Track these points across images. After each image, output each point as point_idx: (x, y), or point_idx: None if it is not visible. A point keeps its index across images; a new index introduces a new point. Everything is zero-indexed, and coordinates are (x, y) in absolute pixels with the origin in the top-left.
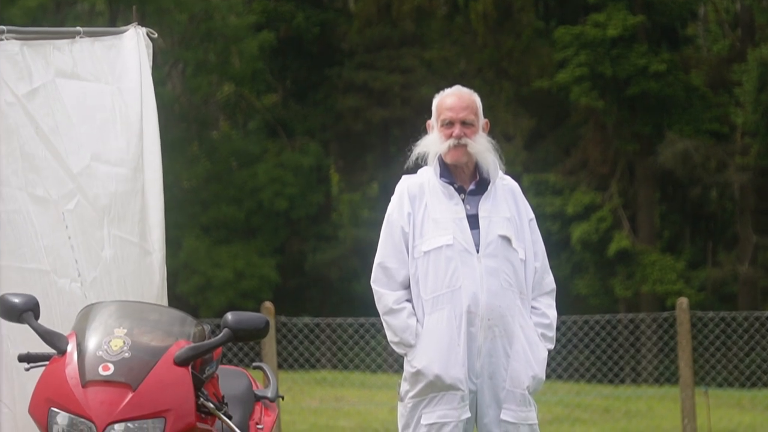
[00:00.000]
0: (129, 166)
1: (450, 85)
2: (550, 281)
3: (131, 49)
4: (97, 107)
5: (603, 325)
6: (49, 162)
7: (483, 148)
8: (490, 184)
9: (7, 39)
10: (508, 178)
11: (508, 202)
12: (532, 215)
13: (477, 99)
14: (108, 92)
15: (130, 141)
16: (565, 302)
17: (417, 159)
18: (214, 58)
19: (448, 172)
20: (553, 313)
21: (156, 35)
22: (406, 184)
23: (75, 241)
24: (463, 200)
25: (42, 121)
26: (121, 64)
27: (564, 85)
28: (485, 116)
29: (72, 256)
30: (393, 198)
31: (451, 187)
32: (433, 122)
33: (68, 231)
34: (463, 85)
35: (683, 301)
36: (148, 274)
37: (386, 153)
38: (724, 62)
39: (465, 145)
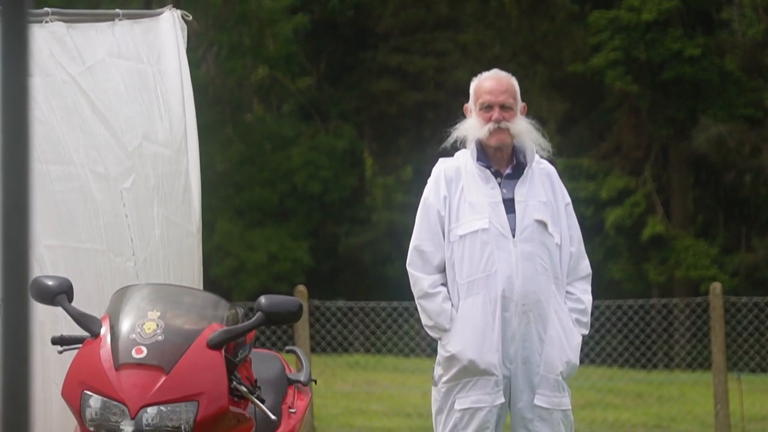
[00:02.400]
0: (173, 147)
1: (484, 69)
2: (585, 266)
3: (168, 31)
4: (143, 88)
5: (636, 310)
6: (107, 140)
7: (524, 129)
8: (527, 168)
9: (51, 21)
10: (545, 162)
11: (544, 186)
12: (569, 199)
13: (515, 82)
14: (150, 74)
15: (172, 123)
16: (598, 287)
17: (456, 142)
18: (248, 40)
19: (485, 155)
20: (588, 299)
21: (190, 17)
22: (442, 167)
23: (131, 220)
24: (499, 184)
25: (97, 99)
26: (159, 47)
27: (598, 69)
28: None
29: (128, 235)
30: (429, 181)
31: (488, 171)
32: (471, 106)
33: (125, 209)
34: (498, 68)
35: (716, 287)
36: (188, 256)
37: (420, 136)
38: (758, 47)
39: (507, 129)
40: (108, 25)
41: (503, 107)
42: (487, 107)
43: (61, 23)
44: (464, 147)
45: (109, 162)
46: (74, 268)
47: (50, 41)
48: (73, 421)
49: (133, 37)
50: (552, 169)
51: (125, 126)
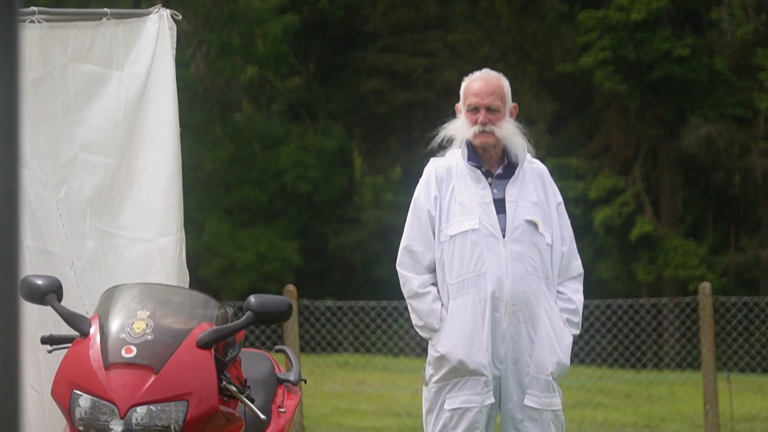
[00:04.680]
0: (117, 156)
1: (473, 69)
2: (577, 266)
3: (151, 33)
4: (100, 95)
5: (625, 310)
6: (45, 148)
7: (510, 132)
8: (518, 168)
9: (37, 21)
10: (537, 161)
11: (536, 186)
12: (561, 199)
13: (504, 83)
14: (116, 78)
15: (128, 130)
16: (587, 286)
17: (442, 141)
18: (237, 40)
19: (476, 155)
20: (579, 298)
21: (180, 17)
22: (434, 167)
23: (67, 231)
24: (490, 184)
25: (42, 107)
26: (137, 49)
27: (587, 69)
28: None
29: (67, 245)
30: (421, 181)
31: (479, 171)
32: (460, 106)
33: (62, 219)
34: (488, 68)
35: (706, 286)
36: (140, 264)
37: (409, 136)
38: (748, 46)
39: (491, 131)
40: (92, 24)
41: (489, 109)
42: (473, 109)
43: (43, 23)
44: (451, 146)
45: (47, 171)
46: (43, 269)
47: (24, 43)
48: (50, 424)
49: (112, 38)
50: (544, 168)
51: (63, 136)
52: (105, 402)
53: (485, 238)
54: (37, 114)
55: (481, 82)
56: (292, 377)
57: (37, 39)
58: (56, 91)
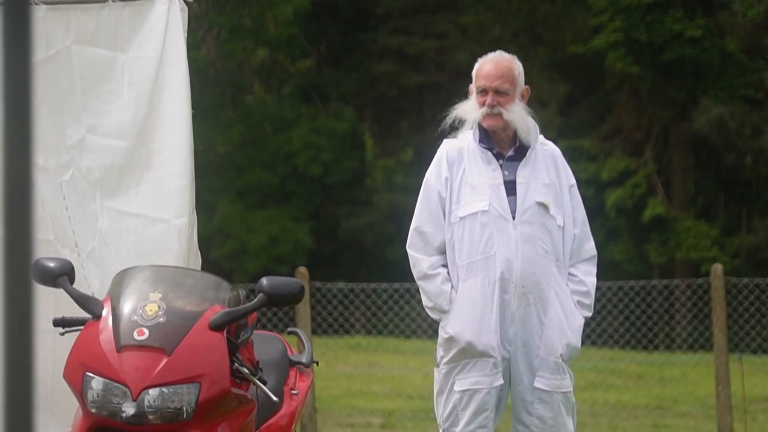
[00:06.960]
0: (130, 138)
1: (484, 51)
2: (590, 248)
3: (161, 15)
4: (104, 77)
5: (637, 291)
6: (48, 131)
7: (518, 115)
8: (530, 149)
9: (36, 4)
10: (550, 143)
11: (548, 168)
12: (573, 181)
13: (516, 66)
14: (121, 61)
15: (137, 112)
16: (599, 268)
17: (454, 122)
18: (248, 22)
19: (487, 137)
20: (591, 280)
21: (192, 0)
22: (445, 148)
23: (72, 212)
24: (501, 166)
25: (45, 90)
26: (144, 32)
27: (599, 50)
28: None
29: (69, 227)
30: (432, 162)
31: (490, 153)
32: (472, 87)
33: (65, 201)
34: (500, 50)
35: (718, 268)
36: (160, 243)
37: (421, 118)
38: (759, 28)
39: (500, 114)
40: (96, 7)
41: (497, 92)
42: (482, 91)
43: (42, 6)
44: (463, 127)
45: (49, 154)
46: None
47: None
48: (46, 411)
49: (117, 21)
50: (556, 150)
51: (68, 119)
52: (117, 384)
53: (495, 220)
54: (41, 96)
55: (491, 65)
56: (304, 359)
57: (37, 21)
58: (61, 74)
